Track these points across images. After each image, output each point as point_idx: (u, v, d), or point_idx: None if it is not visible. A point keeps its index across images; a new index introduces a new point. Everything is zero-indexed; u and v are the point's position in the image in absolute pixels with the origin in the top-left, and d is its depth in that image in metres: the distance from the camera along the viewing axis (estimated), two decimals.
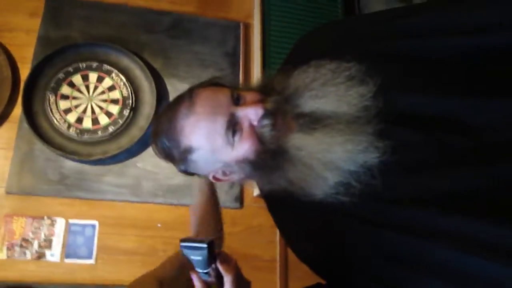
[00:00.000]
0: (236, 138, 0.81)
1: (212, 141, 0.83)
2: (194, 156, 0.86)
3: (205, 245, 0.79)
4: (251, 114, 0.81)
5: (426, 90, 0.77)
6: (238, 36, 2.12)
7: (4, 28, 1.88)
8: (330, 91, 0.79)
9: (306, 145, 0.78)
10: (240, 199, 1.92)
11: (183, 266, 0.85)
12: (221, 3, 2.20)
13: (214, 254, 0.81)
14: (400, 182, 0.75)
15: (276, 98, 0.81)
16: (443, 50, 0.79)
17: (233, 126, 0.81)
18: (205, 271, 0.82)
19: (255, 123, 0.81)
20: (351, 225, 0.79)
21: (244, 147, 0.81)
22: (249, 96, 0.84)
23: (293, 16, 2.16)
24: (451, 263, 0.70)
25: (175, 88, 1.96)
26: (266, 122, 0.80)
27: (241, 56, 2.09)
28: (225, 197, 1.86)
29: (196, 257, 0.82)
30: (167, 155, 0.89)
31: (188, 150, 0.85)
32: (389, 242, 0.76)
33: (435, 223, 0.71)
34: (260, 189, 0.94)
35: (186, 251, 0.82)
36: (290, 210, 0.90)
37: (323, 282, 0.94)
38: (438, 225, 0.71)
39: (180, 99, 0.87)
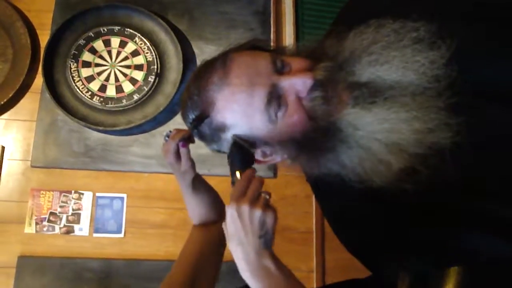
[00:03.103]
0: (280, 113, 0.69)
1: (250, 117, 0.70)
2: (229, 135, 0.74)
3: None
4: (298, 84, 0.68)
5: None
6: None
7: None
8: (394, 56, 0.66)
9: (364, 123, 0.65)
10: (273, 167, 1.81)
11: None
12: None
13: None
14: (476, 168, 0.62)
15: (328, 65, 0.68)
16: None
17: (276, 99, 0.68)
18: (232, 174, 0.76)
19: (303, 95, 0.68)
20: (413, 216, 0.67)
21: (289, 125, 0.69)
22: (295, 63, 0.71)
23: None
24: None
25: (202, 51, 1.84)
26: (316, 94, 0.67)
27: (272, 14, 1.94)
28: (256, 166, 1.77)
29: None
30: (197, 132, 0.78)
31: (221, 128, 0.73)
32: (461, 239, 0.64)
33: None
34: (306, 173, 0.82)
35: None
36: (341, 197, 0.78)
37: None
38: None
39: (212, 64, 0.74)
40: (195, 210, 0.98)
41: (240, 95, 0.70)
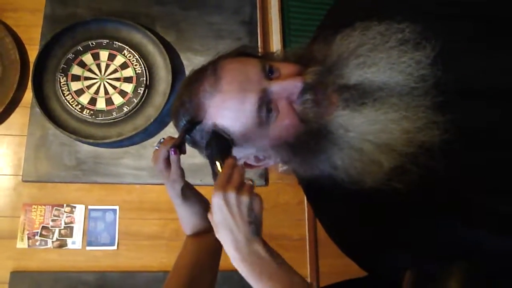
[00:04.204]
0: (271, 118, 0.70)
1: (241, 123, 0.71)
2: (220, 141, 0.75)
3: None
4: (288, 88, 0.69)
5: (498, 53, 0.65)
6: (254, 3, 1.98)
7: (8, 8, 1.79)
8: (381, 58, 0.67)
9: (355, 124, 0.67)
10: (265, 175, 1.82)
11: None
12: None
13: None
14: (465, 165, 0.64)
15: (317, 68, 0.69)
16: None
17: (266, 104, 0.70)
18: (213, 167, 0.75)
19: (293, 98, 0.70)
20: (406, 216, 0.68)
21: (281, 128, 0.70)
22: (285, 68, 0.72)
23: None
24: None
25: (190, 62, 1.85)
26: (307, 97, 0.68)
27: (258, 24, 1.96)
28: (248, 173, 1.77)
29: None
30: (189, 139, 0.79)
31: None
32: (449, 233, 0.65)
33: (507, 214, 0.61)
34: (298, 176, 0.83)
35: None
36: (333, 199, 0.79)
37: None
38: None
39: (202, 72, 0.75)
40: (186, 220, 0.97)
41: (232, 101, 0.71)
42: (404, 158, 0.65)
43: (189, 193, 0.93)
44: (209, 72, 0.74)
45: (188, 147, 0.85)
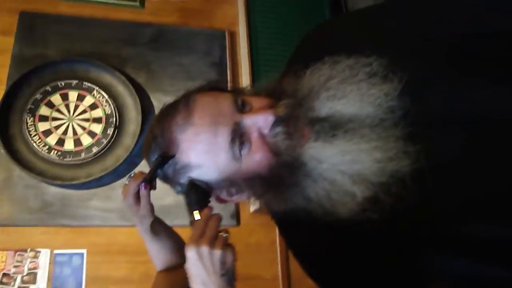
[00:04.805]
0: (244, 151, 0.70)
1: (214, 157, 0.71)
2: (194, 175, 0.74)
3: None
4: (260, 121, 0.70)
5: (461, 83, 0.67)
6: (224, 45, 2.02)
7: None
8: (351, 90, 0.68)
9: (327, 156, 0.67)
10: (236, 216, 1.81)
11: None
12: (204, 12, 2.11)
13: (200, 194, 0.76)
14: (437, 193, 0.65)
15: (288, 101, 0.70)
16: (481, 37, 0.69)
17: (239, 137, 0.70)
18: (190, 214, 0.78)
19: (265, 131, 0.70)
20: (382, 245, 0.68)
21: (254, 161, 0.70)
22: (256, 101, 0.73)
23: (279, 22, 2.08)
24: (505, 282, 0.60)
25: (160, 102, 1.85)
26: (279, 129, 0.69)
27: (228, 65, 1.99)
28: (220, 206, 1.75)
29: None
30: (160, 173, 0.78)
31: (186, 168, 0.74)
32: (425, 261, 0.65)
33: (484, 237, 0.61)
34: (271, 210, 0.82)
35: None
36: (307, 232, 0.78)
37: None
38: (485, 240, 0.61)
39: (174, 106, 0.75)
40: (157, 255, 0.96)
41: (204, 135, 0.70)
42: (377, 188, 0.66)
43: (159, 228, 0.92)
44: (181, 106, 0.74)
45: (159, 184, 0.84)
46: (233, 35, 2.07)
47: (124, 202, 0.85)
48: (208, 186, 0.75)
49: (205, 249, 0.71)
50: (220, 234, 0.75)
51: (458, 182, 0.65)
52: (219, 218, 0.77)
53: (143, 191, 0.81)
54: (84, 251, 1.65)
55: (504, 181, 0.63)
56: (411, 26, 0.75)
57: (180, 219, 1.66)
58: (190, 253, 0.72)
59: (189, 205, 0.78)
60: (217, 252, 0.71)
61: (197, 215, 0.77)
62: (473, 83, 0.67)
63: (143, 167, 0.84)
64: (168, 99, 1.85)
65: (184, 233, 1.03)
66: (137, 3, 2.01)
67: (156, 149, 0.75)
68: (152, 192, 0.85)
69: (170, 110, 0.76)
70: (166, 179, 0.79)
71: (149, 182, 0.81)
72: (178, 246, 0.98)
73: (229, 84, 1.95)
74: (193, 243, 0.72)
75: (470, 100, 0.67)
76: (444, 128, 0.66)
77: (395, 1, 0.85)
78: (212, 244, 0.72)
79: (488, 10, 0.71)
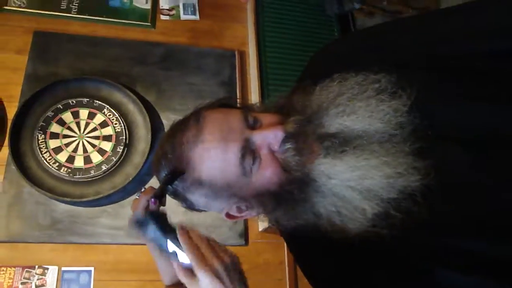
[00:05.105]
0: (254, 167, 0.70)
1: (224, 173, 0.71)
2: (204, 191, 0.75)
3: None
4: (270, 137, 0.70)
5: (470, 100, 0.67)
6: (234, 65, 2.04)
7: None
8: (360, 107, 0.69)
9: (336, 171, 0.67)
10: (244, 235, 1.80)
11: None
12: (214, 32, 2.14)
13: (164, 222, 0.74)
14: (447, 208, 0.65)
15: (298, 118, 0.70)
16: (485, 55, 0.69)
17: (249, 153, 0.70)
18: (166, 247, 0.73)
19: (275, 148, 0.71)
20: (391, 262, 0.68)
21: (264, 178, 0.70)
22: (266, 118, 0.74)
23: (288, 41, 2.11)
24: None
25: (170, 121, 1.85)
26: (288, 145, 0.69)
27: (237, 84, 2.01)
28: (228, 233, 1.75)
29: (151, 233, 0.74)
30: (171, 189, 0.78)
31: (196, 184, 0.74)
32: (436, 279, 0.65)
33: (492, 255, 0.61)
34: (281, 227, 0.82)
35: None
36: (316, 248, 0.78)
37: None
38: (493, 258, 0.61)
39: (185, 123, 0.76)
40: (165, 270, 0.96)
41: (215, 151, 0.71)
42: (386, 204, 0.66)
43: None
44: (191, 122, 0.75)
45: (168, 203, 0.85)
46: (242, 55, 2.10)
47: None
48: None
49: (218, 267, 0.69)
50: (214, 246, 0.73)
51: (467, 198, 0.64)
52: (197, 232, 0.74)
53: (152, 207, 0.81)
54: (92, 268, 1.64)
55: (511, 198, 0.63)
56: (419, 44, 0.76)
57: None
58: (205, 279, 0.68)
59: (158, 241, 0.75)
60: (227, 262, 0.70)
61: (170, 244, 0.73)
62: (482, 99, 0.67)
63: (152, 185, 0.84)
64: (178, 117, 1.88)
65: None
66: (148, 23, 2.05)
67: (166, 165, 0.76)
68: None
69: (180, 127, 0.77)
70: (176, 195, 0.79)
71: (159, 197, 0.81)
72: None
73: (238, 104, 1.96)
74: (203, 268, 0.69)
75: (478, 116, 0.67)
76: (453, 143, 0.66)
77: (403, 19, 0.86)
78: (219, 260, 0.70)
79: (495, 28, 0.72)
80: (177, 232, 0.73)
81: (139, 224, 0.75)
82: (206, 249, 0.71)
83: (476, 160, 0.65)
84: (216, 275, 0.68)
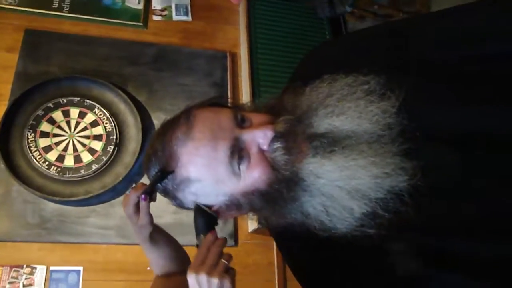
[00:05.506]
0: (243, 166, 0.71)
1: (214, 171, 0.72)
2: (193, 189, 0.75)
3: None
4: (259, 137, 0.71)
5: (458, 102, 0.68)
6: (225, 66, 2.05)
7: None
8: (349, 107, 0.70)
9: (325, 171, 0.68)
10: (234, 236, 1.80)
11: None
12: (206, 33, 2.14)
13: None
14: (434, 208, 0.66)
15: (287, 118, 0.71)
16: (476, 58, 0.70)
17: (238, 152, 0.71)
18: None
19: (264, 147, 0.71)
20: (379, 261, 0.69)
21: (253, 176, 0.71)
22: (256, 117, 0.74)
23: (280, 44, 2.11)
24: None
25: (161, 121, 1.85)
26: (278, 145, 0.70)
27: (229, 86, 2.01)
28: (218, 234, 1.75)
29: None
30: (160, 187, 0.79)
31: (186, 182, 0.75)
32: (423, 279, 0.65)
33: (478, 254, 0.62)
34: (269, 225, 0.83)
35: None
36: (305, 246, 0.79)
37: None
38: (481, 256, 0.62)
39: (175, 121, 0.77)
40: (155, 262, 0.97)
41: (204, 149, 0.71)
42: (374, 204, 0.66)
43: (158, 237, 0.94)
44: (182, 120, 0.75)
45: (158, 202, 0.86)
46: (234, 56, 2.10)
47: (124, 212, 0.87)
48: (215, 211, 0.78)
49: (203, 277, 0.74)
50: (221, 261, 0.77)
51: (455, 199, 0.65)
52: (222, 243, 0.79)
53: (142, 203, 0.83)
54: (80, 268, 1.63)
55: (498, 199, 0.64)
56: (409, 46, 0.77)
57: (178, 237, 1.66)
58: (190, 280, 0.75)
59: (195, 228, 0.81)
60: (215, 281, 0.74)
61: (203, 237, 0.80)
62: (471, 101, 0.68)
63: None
64: (169, 117, 1.88)
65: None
66: (140, 23, 2.04)
67: (156, 163, 0.76)
68: (152, 210, 0.86)
69: (171, 125, 0.77)
70: (166, 193, 0.79)
71: (149, 194, 0.82)
72: (175, 254, 1.01)
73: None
74: (193, 270, 0.75)
75: (467, 118, 0.68)
76: (440, 145, 0.67)
77: (393, 22, 0.87)
78: (210, 272, 0.74)
79: (484, 32, 0.73)
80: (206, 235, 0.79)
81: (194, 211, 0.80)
82: (209, 259, 0.76)
83: (464, 161, 0.66)
84: (198, 282, 0.74)
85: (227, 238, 1.68)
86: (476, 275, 0.62)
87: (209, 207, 0.78)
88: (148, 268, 1.62)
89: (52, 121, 1.73)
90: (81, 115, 1.77)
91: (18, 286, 1.58)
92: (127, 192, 0.86)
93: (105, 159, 1.72)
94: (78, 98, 1.78)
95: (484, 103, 0.68)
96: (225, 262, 0.77)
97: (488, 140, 0.66)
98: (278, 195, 0.71)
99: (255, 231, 1.79)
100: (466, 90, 0.70)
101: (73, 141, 1.74)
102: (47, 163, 1.67)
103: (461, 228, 0.64)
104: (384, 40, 0.80)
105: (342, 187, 0.68)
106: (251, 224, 1.78)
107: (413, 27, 0.81)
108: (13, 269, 1.59)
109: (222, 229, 1.76)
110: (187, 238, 0.97)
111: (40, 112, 1.72)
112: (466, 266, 0.63)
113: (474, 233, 0.63)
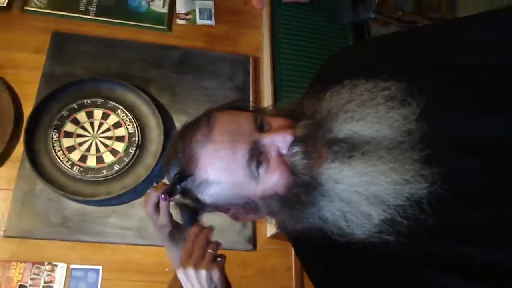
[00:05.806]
0: (261, 170, 0.71)
1: (232, 173, 0.72)
2: (211, 191, 0.76)
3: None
4: (278, 141, 0.71)
5: (478, 109, 0.68)
6: (248, 70, 2.06)
7: (8, 65, 1.82)
8: (369, 113, 0.70)
9: (344, 176, 0.68)
10: (253, 240, 1.80)
11: None
12: (229, 37, 2.15)
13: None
14: (454, 216, 0.65)
15: (307, 122, 0.71)
16: (497, 66, 0.70)
17: (257, 156, 0.71)
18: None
19: (284, 151, 0.71)
20: (397, 269, 0.68)
21: (272, 180, 0.71)
22: (276, 122, 0.74)
23: (302, 49, 2.11)
24: None
25: (182, 124, 1.88)
26: (297, 149, 0.70)
27: (251, 90, 2.02)
28: (236, 238, 1.75)
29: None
30: (179, 188, 0.80)
31: (204, 184, 0.75)
32: (441, 286, 0.65)
33: (494, 261, 0.61)
34: (287, 229, 0.83)
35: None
36: (322, 253, 0.78)
37: None
38: (499, 264, 0.61)
39: (196, 123, 0.78)
40: (175, 260, 0.98)
41: (223, 152, 0.72)
42: (393, 210, 0.66)
43: (178, 236, 0.95)
44: (202, 123, 0.76)
45: None
46: (257, 61, 2.11)
47: (144, 210, 0.89)
48: (197, 203, 0.79)
49: (191, 271, 0.77)
50: (207, 251, 0.80)
51: (475, 206, 0.64)
52: (206, 233, 0.82)
53: (162, 202, 0.84)
54: (100, 267, 1.66)
55: None
56: (430, 53, 0.76)
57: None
58: (180, 276, 0.78)
59: (182, 224, 0.85)
60: (202, 272, 0.76)
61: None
62: (490, 109, 0.68)
63: None
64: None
65: None
66: (165, 27, 2.07)
67: (176, 164, 0.77)
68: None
69: (191, 127, 0.78)
70: (185, 194, 0.80)
71: (169, 194, 0.83)
72: None
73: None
74: (181, 265, 0.79)
75: (487, 125, 0.67)
76: (460, 152, 0.67)
77: (416, 29, 0.86)
78: (197, 265, 0.77)
79: (504, 40, 0.72)
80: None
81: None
82: (195, 252, 0.79)
83: (485, 168, 0.65)
84: (186, 277, 0.78)
85: (246, 243, 1.69)
86: (496, 284, 0.61)
87: (193, 199, 0.79)
88: (167, 269, 1.65)
89: (76, 122, 1.76)
90: (104, 117, 1.80)
91: (39, 283, 1.60)
92: (148, 191, 0.87)
93: (126, 160, 1.74)
94: (102, 100, 1.80)
95: (504, 111, 0.67)
96: (211, 251, 0.79)
97: (509, 148, 0.65)
98: (296, 200, 0.71)
99: (273, 236, 1.79)
100: (486, 97, 0.69)
101: (96, 141, 1.76)
102: (70, 162, 1.69)
103: (482, 235, 0.63)
104: (406, 46, 0.80)
105: (361, 193, 0.67)
106: (270, 228, 1.78)
107: (435, 33, 0.80)
108: (35, 265, 1.62)
109: (240, 233, 1.76)
110: None
111: (64, 113, 1.75)
112: (485, 274, 0.62)
113: (495, 241, 0.62)
